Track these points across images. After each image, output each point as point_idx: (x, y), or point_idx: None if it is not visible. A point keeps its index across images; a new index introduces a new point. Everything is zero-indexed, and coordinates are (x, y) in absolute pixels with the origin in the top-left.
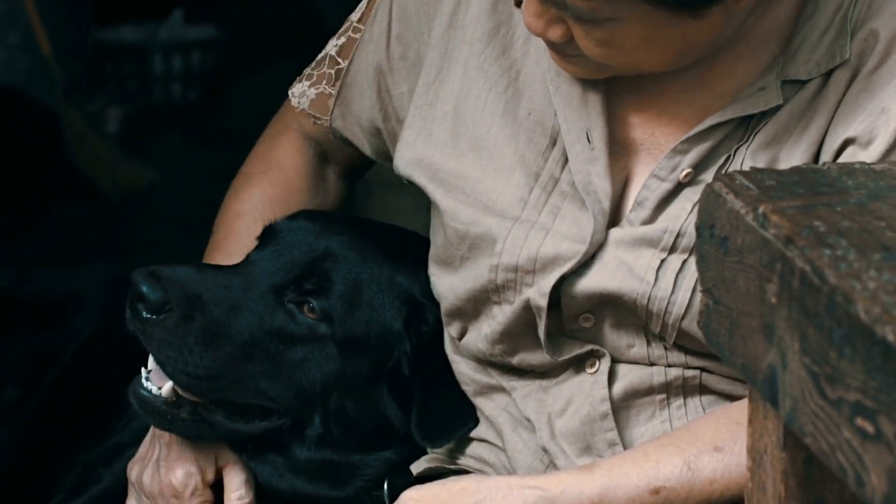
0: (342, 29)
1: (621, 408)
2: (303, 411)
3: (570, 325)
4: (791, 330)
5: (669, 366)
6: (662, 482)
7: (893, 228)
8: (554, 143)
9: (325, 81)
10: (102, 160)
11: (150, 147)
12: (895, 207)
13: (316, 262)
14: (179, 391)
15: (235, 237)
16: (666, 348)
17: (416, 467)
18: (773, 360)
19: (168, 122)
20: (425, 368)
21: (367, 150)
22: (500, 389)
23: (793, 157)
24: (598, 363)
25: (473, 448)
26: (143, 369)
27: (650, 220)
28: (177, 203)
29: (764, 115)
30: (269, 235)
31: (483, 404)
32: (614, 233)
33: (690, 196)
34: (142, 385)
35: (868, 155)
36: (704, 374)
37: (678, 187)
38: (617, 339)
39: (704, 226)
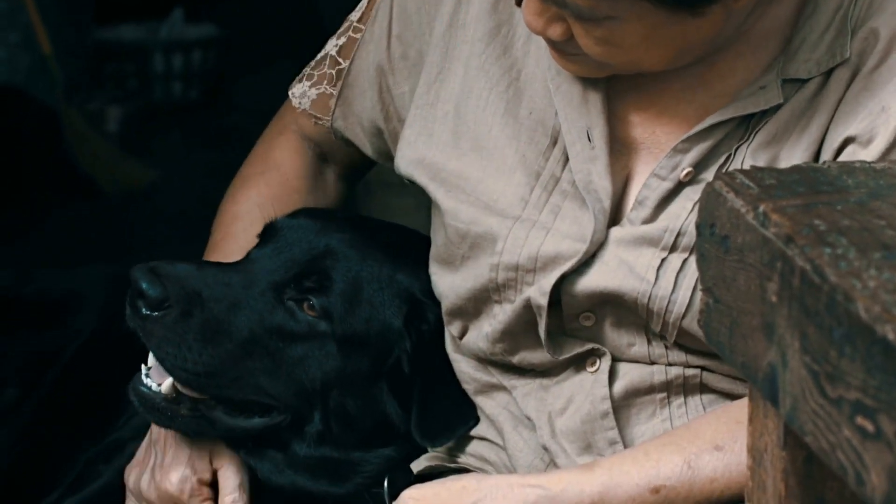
0: (342, 29)
1: (622, 406)
2: (303, 408)
3: (571, 324)
4: (791, 329)
5: (670, 364)
6: (663, 481)
7: (894, 227)
8: (555, 142)
9: (326, 81)
10: (103, 159)
11: (150, 146)
12: (895, 206)
13: (316, 260)
14: (179, 388)
15: (233, 239)
16: (666, 347)
17: (417, 465)
18: (774, 358)
19: (168, 121)
20: (426, 367)
21: (368, 150)
22: (501, 388)
23: (793, 155)
24: (598, 362)
25: (474, 446)
26: (142, 366)
27: (651, 219)
28: (177, 202)
29: (764, 114)
30: (269, 233)
31: (484, 403)
32: (615, 232)
33: (691, 195)
34: (142, 382)
35: (868, 153)
36: (705, 373)
37: (679, 186)
38: (617, 337)
39: (705, 224)
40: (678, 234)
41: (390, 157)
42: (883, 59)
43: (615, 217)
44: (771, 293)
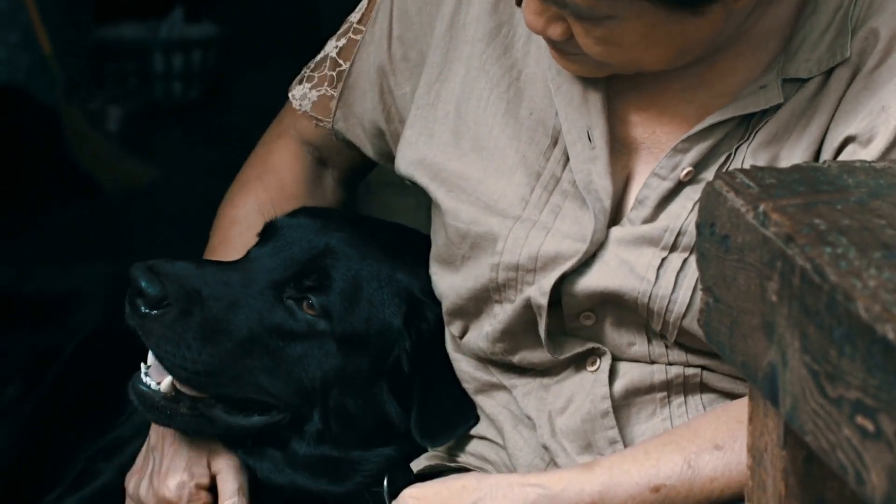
0: (342, 30)
1: (622, 406)
2: (302, 407)
3: (571, 324)
4: (791, 328)
5: (670, 364)
6: (663, 480)
7: (894, 226)
8: (555, 142)
9: (326, 83)
10: (103, 158)
11: (150, 145)
12: (895, 205)
13: (316, 259)
14: (178, 386)
15: (230, 243)
16: (667, 346)
17: (417, 465)
18: (774, 358)
19: (169, 120)
20: (425, 366)
21: (369, 151)
22: (501, 387)
23: (793, 155)
24: (598, 361)
25: (474, 446)
26: (142, 365)
27: (651, 218)
28: (177, 201)
29: (765, 114)
30: (269, 232)
31: (484, 402)
32: (615, 231)
33: (691, 195)
34: (141, 381)
35: (868, 153)
36: (705, 373)
37: (679, 186)
38: (618, 337)
39: (705, 224)
40: (678, 234)
41: (392, 159)
42: (883, 59)
43: (615, 217)
44: (771, 292)
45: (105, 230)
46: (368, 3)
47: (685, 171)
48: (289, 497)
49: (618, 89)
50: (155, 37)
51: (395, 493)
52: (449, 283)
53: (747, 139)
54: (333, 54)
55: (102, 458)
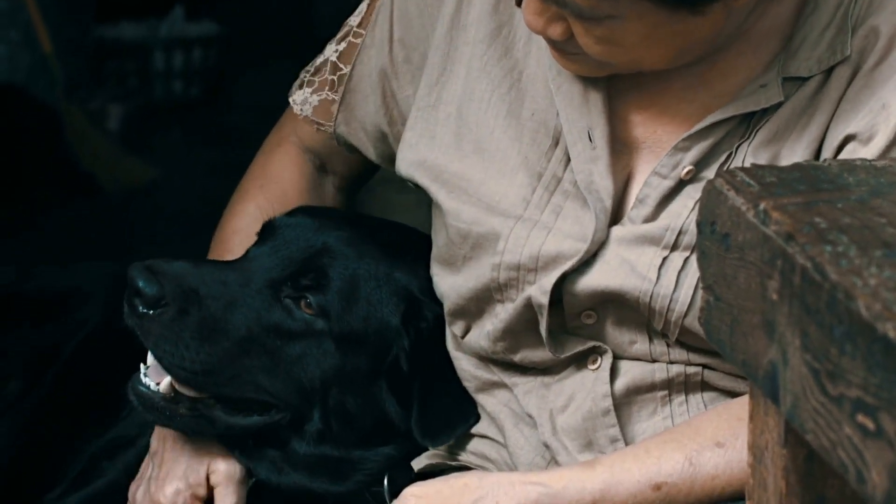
0: (341, 33)
1: (623, 404)
2: (302, 407)
3: (572, 323)
4: (792, 326)
5: (671, 362)
6: (664, 478)
7: (894, 225)
8: (557, 142)
9: (327, 87)
10: (103, 157)
11: (150, 144)
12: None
13: (313, 258)
14: (177, 387)
15: (232, 254)
16: (668, 345)
17: (417, 463)
18: (774, 356)
19: (169, 119)
20: (425, 365)
21: (371, 154)
22: (502, 386)
23: (794, 153)
24: (599, 360)
25: (474, 444)
26: (141, 365)
27: (652, 217)
28: (178, 200)
29: (765, 113)
30: (267, 231)
31: (484, 401)
32: (616, 231)
33: (692, 193)
34: (140, 381)
35: (869, 151)
36: (706, 371)
37: (680, 185)
38: (619, 335)
39: (705, 222)
40: (679, 233)
41: (394, 161)
42: (883, 57)
43: (616, 216)
44: (771, 291)
45: (105, 229)
46: (368, 7)
47: (686, 170)
48: (289, 497)
49: (618, 89)
50: (155, 36)
51: (395, 493)
52: (450, 284)
53: (748, 138)
54: (334, 58)
55: (106, 457)
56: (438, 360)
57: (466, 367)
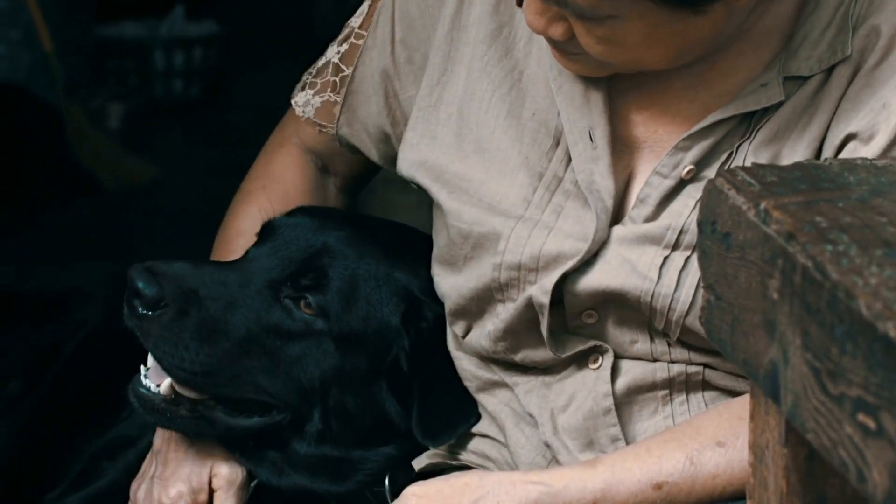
0: (343, 35)
1: (624, 403)
2: (302, 407)
3: (574, 322)
4: (793, 326)
5: (672, 362)
6: (665, 477)
7: (895, 224)
8: (557, 142)
9: (329, 89)
10: (104, 156)
11: (151, 143)
12: None
13: (313, 258)
14: (178, 388)
15: (235, 255)
16: (669, 344)
17: (418, 463)
18: (775, 355)
19: (169, 118)
20: (425, 364)
21: (374, 156)
22: (503, 385)
23: (795, 153)
24: (601, 359)
25: (475, 444)
26: (142, 367)
27: (653, 217)
28: (178, 199)
29: (766, 112)
30: (267, 232)
31: (485, 400)
32: (617, 230)
33: (693, 193)
34: (141, 383)
35: (869, 150)
36: (707, 371)
37: (680, 184)
38: (620, 335)
39: (706, 222)
40: (680, 232)
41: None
42: (884, 56)
43: (617, 216)
44: (772, 290)
45: (105, 228)
46: (369, 8)
47: (687, 170)
48: (289, 498)
49: (619, 89)
50: (155, 35)
51: (396, 493)
52: (451, 284)
53: (749, 137)
54: (335, 60)
55: (106, 457)
56: (439, 359)
57: (467, 367)
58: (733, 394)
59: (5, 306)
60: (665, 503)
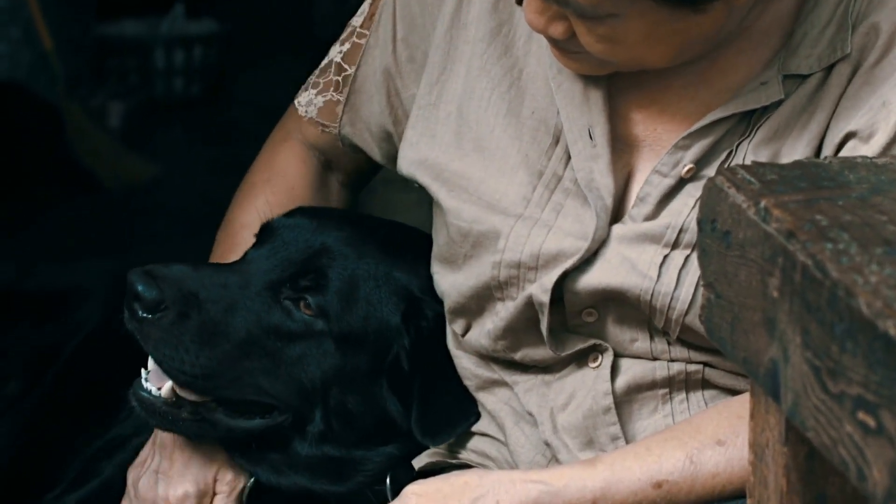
0: (345, 34)
1: (624, 402)
2: (303, 407)
3: (573, 321)
4: (793, 324)
5: (672, 360)
6: (665, 476)
7: (895, 222)
8: (557, 141)
9: (332, 88)
10: (104, 155)
11: (151, 142)
12: None
13: (312, 259)
14: (179, 391)
15: (240, 248)
16: (669, 343)
17: (418, 462)
18: (775, 354)
19: (170, 116)
20: (425, 363)
21: (376, 155)
22: (503, 384)
23: (794, 151)
24: (600, 357)
25: (475, 442)
26: (143, 370)
27: (652, 215)
28: (178, 198)
29: (766, 110)
30: (266, 233)
31: (485, 399)
32: (617, 229)
33: (693, 191)
34: (141, 386)
35: (869, 149)
36: (707, 369)
37: (680, 183)
38: (620, 333)
39: (706, 220)
40: (680, 231)
41: None
42: (884, 54)
43: (617, 214)
44: (772, 288)
45: (106, 226)
46: (370, 6)
47: (686, 168)
48: (290, 498)
49: (619, 87)
50: (156, 33)
51: (397, 492)
52: (451, 282)
53: (748, 135)
54: (338, 59)
55: (104, 457)
56: (439, 358)
57: (467, 366)
58: (733, 392)
59: (5, 304)
60: (665, 502)
